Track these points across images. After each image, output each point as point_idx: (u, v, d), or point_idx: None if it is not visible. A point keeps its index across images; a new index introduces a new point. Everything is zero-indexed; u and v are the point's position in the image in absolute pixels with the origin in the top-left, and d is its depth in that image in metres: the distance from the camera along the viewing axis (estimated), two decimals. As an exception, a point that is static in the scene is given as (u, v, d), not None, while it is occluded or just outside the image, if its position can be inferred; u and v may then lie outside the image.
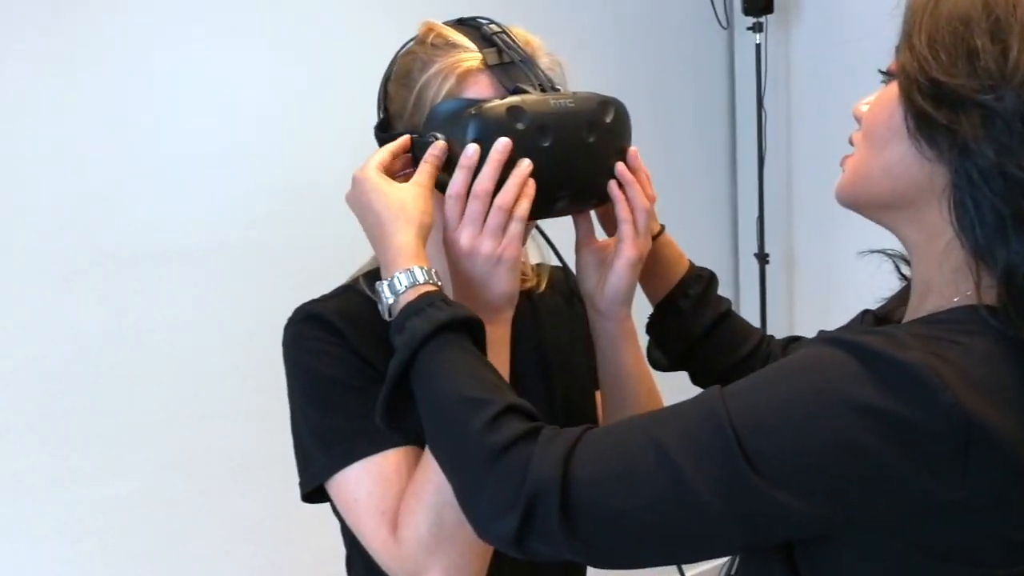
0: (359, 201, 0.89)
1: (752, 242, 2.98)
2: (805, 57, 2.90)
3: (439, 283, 0.84)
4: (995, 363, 0.69)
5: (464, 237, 0.86)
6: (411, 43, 0.98)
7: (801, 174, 2.98)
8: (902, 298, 0.88)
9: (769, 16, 2.80)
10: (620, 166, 0.94)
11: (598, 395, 1.09)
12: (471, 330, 0.82)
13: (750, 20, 2.82)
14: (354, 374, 0.95)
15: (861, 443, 0.66)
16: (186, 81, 1.97)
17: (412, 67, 0.95)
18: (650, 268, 1.03)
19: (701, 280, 1.06)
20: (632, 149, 0.95)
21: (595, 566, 0.76)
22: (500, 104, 0.87)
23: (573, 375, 1.10)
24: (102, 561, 1.88)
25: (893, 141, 0.76)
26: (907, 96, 0.74)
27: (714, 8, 2.96)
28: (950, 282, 0.75)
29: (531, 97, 0.89)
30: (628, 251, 0.94)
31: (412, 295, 0.82)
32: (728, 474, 0.68)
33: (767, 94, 2.88)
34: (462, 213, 0.87)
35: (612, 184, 0.94)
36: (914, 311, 0.81)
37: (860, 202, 0.82)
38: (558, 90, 0.93)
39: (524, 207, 0.87)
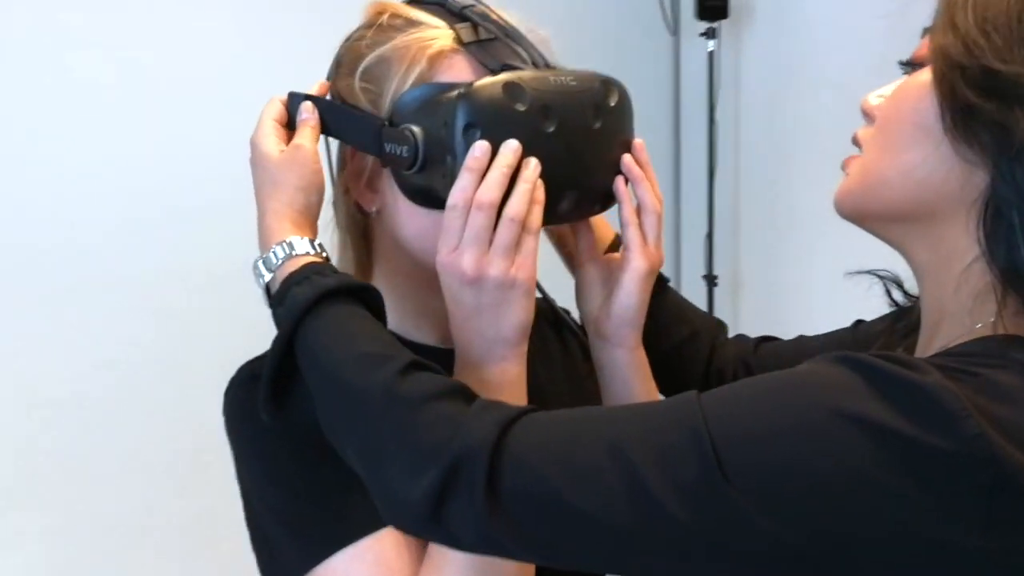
0: (253, 173, 0.82)
1: (698, 262, 2.89)
2: (757, 66, 2.87)
3: (326, 255, 0.77)
4: (1021, 401, 0.61)
5: (468, 259, 0.74)
6: (357, 31, 0.85)
7: (750, 190, 2.93)
8: (895, 317, 0.84)
9: (723, 22, 2.74)
10: (627, 159, 0.84)
11: None
12: (365, 299, 0.74)
13: (702, 26, 2.77)
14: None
15: (862, 465, 0.58)
16: (138, 71, 1.78)
17: (363, 54, 0.81)
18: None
19: None
20: (638, 141, 0.85)
21: (531, 561, 0.71)
22: (495, 81, 0.75)
23: None
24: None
25: (919, 139, 0.68)
26: (948, 86, 0.65)
27: (663, 12, 2.86)
28: (968, 310, 0.68)
29: (528, 73, 0.77)
30: (637, 261, 0.84)
31: (292, 266, 0.74)
32: (699, 483, 0.61)
33: (718, 104, 2.82)
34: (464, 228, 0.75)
35: (619, 180, 0.83)
36: (925, 347, 0.73)
37: (868, 212, 0.74)
38: (551, 67, 0.82)
39: (537, 216, 0.75)
